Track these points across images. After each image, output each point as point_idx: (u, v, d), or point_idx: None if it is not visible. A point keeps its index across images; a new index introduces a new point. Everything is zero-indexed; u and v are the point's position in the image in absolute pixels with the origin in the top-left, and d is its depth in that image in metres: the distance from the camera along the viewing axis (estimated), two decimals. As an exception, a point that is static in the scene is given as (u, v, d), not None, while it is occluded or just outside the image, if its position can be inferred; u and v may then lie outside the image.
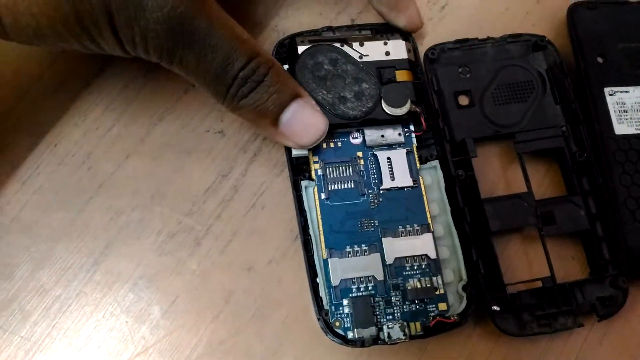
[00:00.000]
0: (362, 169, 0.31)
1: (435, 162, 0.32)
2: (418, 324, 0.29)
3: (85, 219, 0.31)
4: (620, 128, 0.33)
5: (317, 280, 0.29)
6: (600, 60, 0.34)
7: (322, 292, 0.29)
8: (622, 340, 0.31)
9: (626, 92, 0.34)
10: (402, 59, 0.32)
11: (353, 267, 0.29)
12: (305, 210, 0.30)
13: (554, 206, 0.31)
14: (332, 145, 0.31)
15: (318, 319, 0.28)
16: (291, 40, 0.32)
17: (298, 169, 0.31)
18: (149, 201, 0.32)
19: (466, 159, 0.32)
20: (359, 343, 0.28)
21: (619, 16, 0.35)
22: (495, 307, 0.29)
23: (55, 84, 0.33)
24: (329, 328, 0.28)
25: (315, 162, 0.31)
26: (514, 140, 0.32)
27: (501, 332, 0.29)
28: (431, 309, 0.29)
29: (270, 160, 0.33)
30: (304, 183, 0.30)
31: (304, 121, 0.29)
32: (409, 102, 0.30)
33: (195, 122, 0.33)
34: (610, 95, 0.33)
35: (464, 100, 0.34)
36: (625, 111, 0.33)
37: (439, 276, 0.29)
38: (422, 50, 0.34)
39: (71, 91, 0.33)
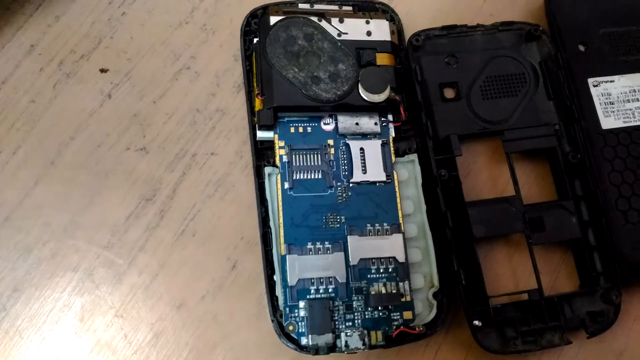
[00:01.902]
0: (332, 158, 0.29)
1: (414, 156, 0.30)
2: (380, 332, 0.27)
3: (-12, 258, 0.29)
4: (607, 122, 0.31)
5: (275, 277, 0.27)
6: (582, 48, 0.32)
7: (278, 292, 0.27)
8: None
9: (611, 81, 0.31)
10: (384, 41, 0.30)
11: (313, 265, 0.27)
12: (267, 199, 0.28)
13: (544, 212, 0.30)
14: (300, 130, 0.29)
15: (272, 320, 0.27)
16: (264, 11, 0.30)
17: (262, 154, 0.29)
18: (62, 233, 0.29)
19: (450, 158, 0.30)
20: (313, 350, 0.26)
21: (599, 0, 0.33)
22: (476, 322, 0.27)
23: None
24: (282, 331, 0.27)
25: (281, 147, 0.29)
26: (503, 138, 0.30)
27: (483, 349, 0.27)
28: (395, 317, 0.27)
29: (201, 179, 0.30)
30: (267, 170, 0.29)
31: None
32: (388, 88, 0.29)
33: (112, 139, 0.31)
34: (594, 86, 0.31)
35: (449, 93, 0.32)
36: (612, 103, 0.31)
37: (407, 282, 0.27)
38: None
39: (-32, 109, 0.30)
